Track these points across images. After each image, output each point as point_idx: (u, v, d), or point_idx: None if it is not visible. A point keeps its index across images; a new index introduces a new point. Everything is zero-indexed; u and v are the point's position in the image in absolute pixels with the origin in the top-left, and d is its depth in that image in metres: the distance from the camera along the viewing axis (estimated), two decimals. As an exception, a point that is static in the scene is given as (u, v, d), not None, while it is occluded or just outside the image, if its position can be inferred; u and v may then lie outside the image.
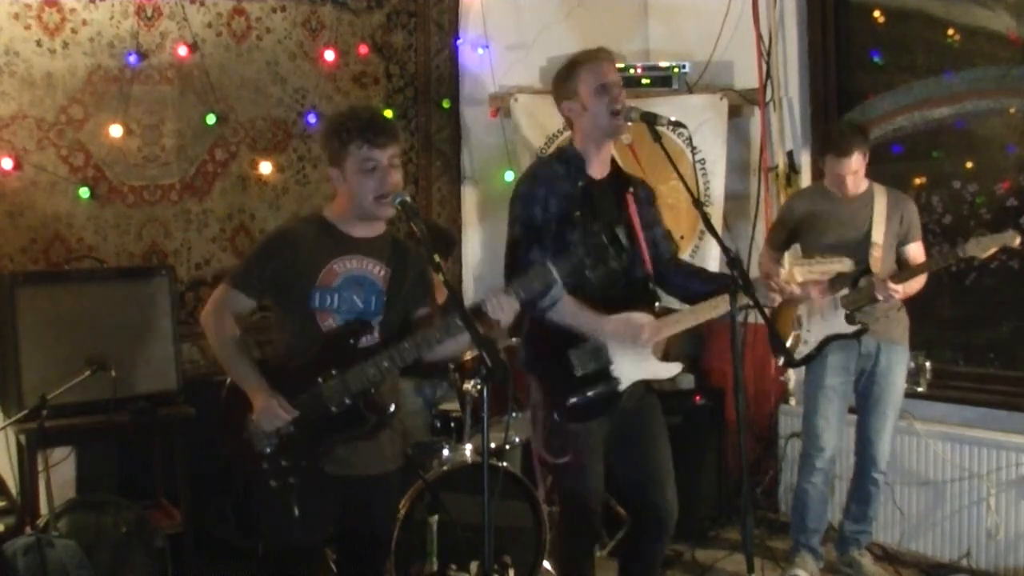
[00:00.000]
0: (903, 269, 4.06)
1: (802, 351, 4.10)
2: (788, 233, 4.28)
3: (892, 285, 3.91)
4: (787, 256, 4.32)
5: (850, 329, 4.04)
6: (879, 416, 4.16)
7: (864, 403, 4.22)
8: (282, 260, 2.82)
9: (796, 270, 3.26)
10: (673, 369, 3.28)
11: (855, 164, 4.03)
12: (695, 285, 3.31)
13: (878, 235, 4.05)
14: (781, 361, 4.24)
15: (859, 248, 4.04)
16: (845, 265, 3.45)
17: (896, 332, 4.15)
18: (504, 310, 2.66)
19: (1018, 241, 3.78)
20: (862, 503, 4.25)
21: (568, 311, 3.10)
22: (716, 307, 3.17)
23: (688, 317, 3.22)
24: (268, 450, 2.78)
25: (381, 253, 2.90)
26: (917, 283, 4.07)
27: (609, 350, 3.19)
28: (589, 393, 3.15)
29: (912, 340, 4.24)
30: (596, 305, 3.13)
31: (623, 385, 3.19)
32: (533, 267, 2.72)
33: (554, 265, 2.67)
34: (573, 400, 3.15)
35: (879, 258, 4.04)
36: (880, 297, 3.94)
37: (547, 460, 3.22)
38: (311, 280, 2.81)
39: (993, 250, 3.84)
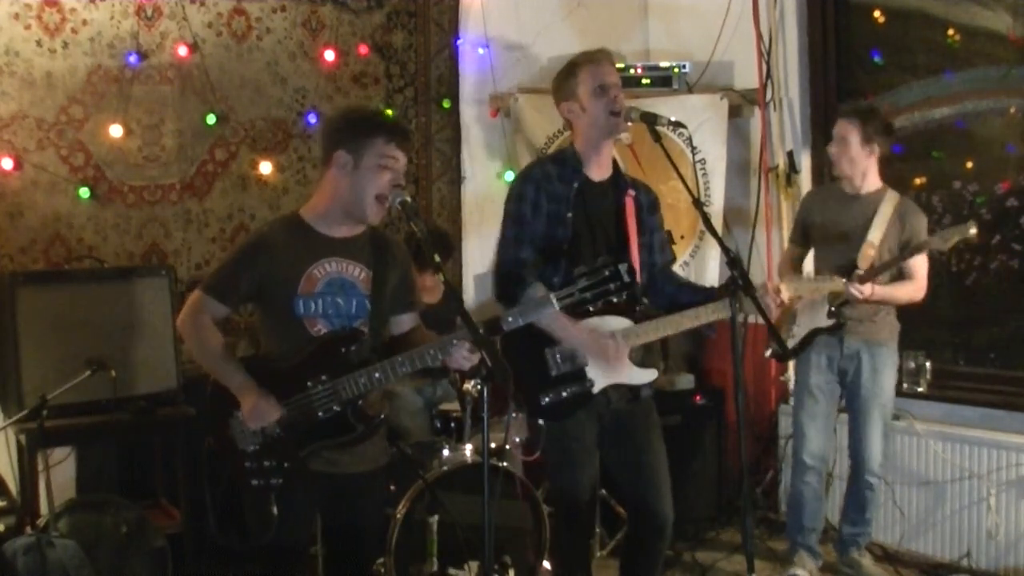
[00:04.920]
0: (869, 270, 4.01)
1: (788, 345, 4.12)
2: (803, 228, 4.31)
3: (858, 286, 3.91)
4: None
5: (829, 323, 4.06)
6: (867, 418, 4.16)
7: (852, 406, 4.23)
8: (259, 270, 2.80)
9: (785, 285, 3.28)
10: (648, 375, 3.27)
11: (841, 130, 4.06)
12: (684, 296, 3.32)
13: (875, 235, 4.05)
14: (768, 352, 4.28)
15: (852, 243, 4.06)
16: (837, 285, 3.48)
17: (882, 334, 4.14)
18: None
19: (974, 231, 3.81)
20: (858, 506, 4.25)
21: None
22: (697, 317, 3.18)
23: (666, 325, 3.21)
24: (251, 448, 2.78)
25: (360, 254, 2.89)
26: (902, 292, 4.05)
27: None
28: (563, 393, 3.15)
29: (912, 340, 4.25)
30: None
31: (597, 387, 3.18)
32: (535, 298, 2.79)
33: (556, 297, 2.71)
34: (546, 399, 3.15)
35: (870, 257, 4.02)
36: (849, 296, 3.94)
37: (520, 457, 3.24)
38: (292, 288, 2.80)
39: (955, 240, 3.88)
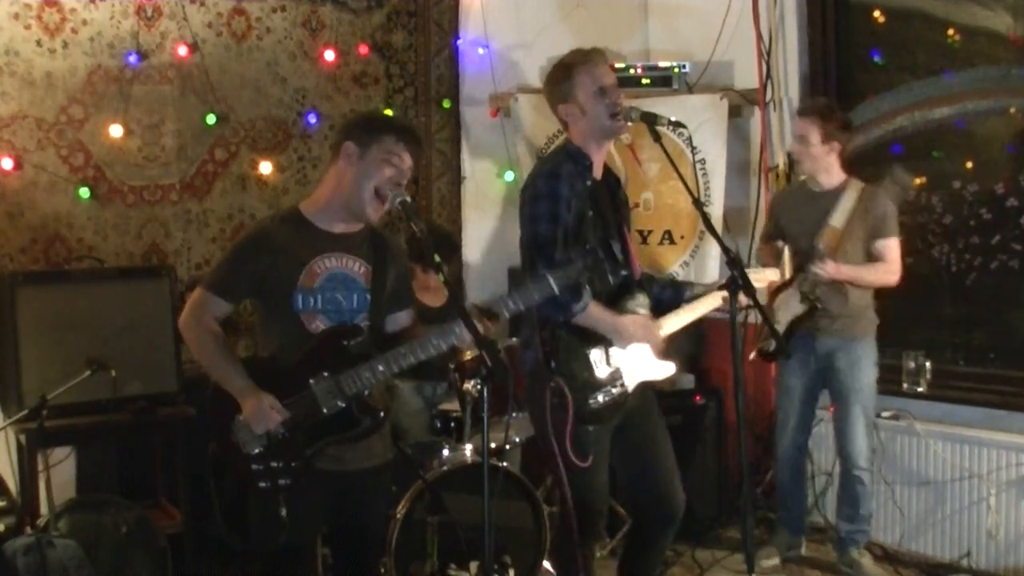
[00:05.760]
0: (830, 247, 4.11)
1: (771, 342, 4.20)
2: (774, 223, 4.46)
3: (820, 264, 3.99)
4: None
5: (803, 308, 4.11)
6: (848, 413, 4.22)
7: (835, 402, 4.31)
8: (260, 264, 2.80)
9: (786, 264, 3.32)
10: (670, 368, 3.31)
11: (801, 129, 4.19)
12: (653, 289, 3.38)
13: (837, 219, 4.11)
14: (753, 354, 4.35)
15: (813, 229, 4.14)
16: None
17: (857, 329, 4.18)
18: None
19: (916, 181, 3.90)
20: (851, 503, 4.29)
21: (592, 313, 3.10)
22: (714, 302, 3.22)
23: (687, 313, 3.26)
24: (257, 451, 2.76)
25: (360, 249, 2.89)
26: (872, 273, 4.11)
27: (615, 352, 3.20)
28: (604, 396, 3.16)
29: (912, 340, 4.26)
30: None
31: (631, 386, 3.20)
32: (533, 279, 2.76)
33: (553, 278, 2.70)
34: (593, 401, 3.14)
35: (831, 238, 4.09)
36: (814, 277, 4.01)
37: (573, 464, 3.11)
38: (292, 283, 2.79)
39: (896, 191, 3.94)
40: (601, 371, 3.17)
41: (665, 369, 3.30)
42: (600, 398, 3.15)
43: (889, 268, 4.12)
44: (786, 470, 4.46)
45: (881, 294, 4.25)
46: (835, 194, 4.18)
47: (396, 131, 2.84)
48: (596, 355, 3.17)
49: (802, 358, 4.25)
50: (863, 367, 4.20)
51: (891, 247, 4.14)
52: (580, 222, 3.14)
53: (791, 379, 4.34)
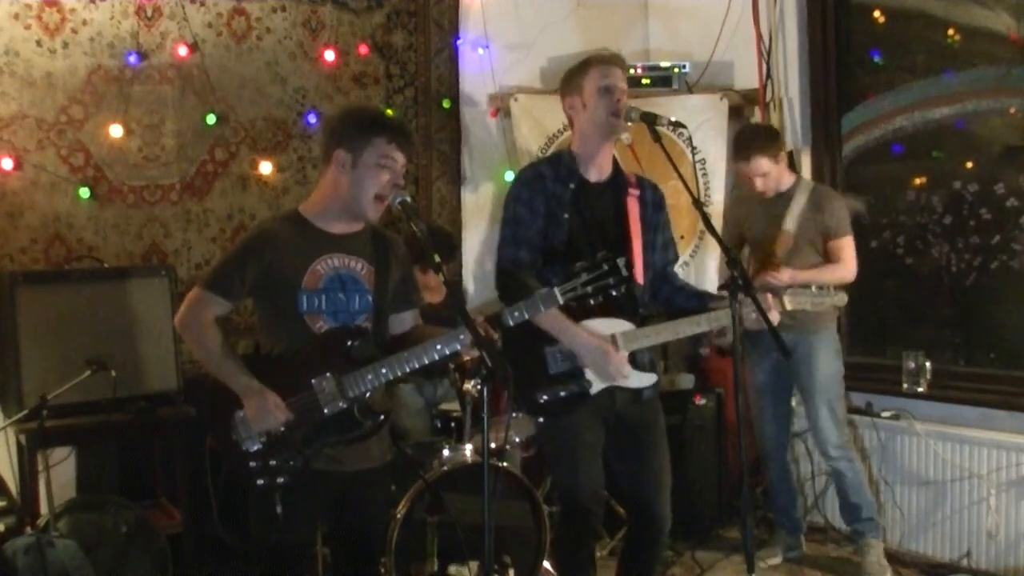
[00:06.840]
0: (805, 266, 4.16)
1: (727, 337, 4.20)
2: (736, 231, 4.51)
3: (774, 273, 4.03)
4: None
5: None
6: (811, 405, 4.30)
7: (801, 396, 4.39)
8: (263, 263, 2.79)
9: (787, 299, 3.28)
10: (647, 379, 3.25)
11: (759, 168, 4.18)
12: (680, 299, 3.34)
13: (789, 223, 4.19)
14: (706, 350, 4.38)
15: (770, 235, 4.22)
16: (842, 299, 3.48)
17: (812, 323, 4.14)
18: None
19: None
20: (841, 495, 4.37)
21: (546, 315, 3.05)
22: (697, 324, 3.18)
23: (666, 331, 3.21)
24: (256, 448, 2.76)
25: (363, 250, 2.89)
26: (827, 275, 4.05)
27: None
28: (561, 392, 3.15)
29: (912, 340, 4.25)
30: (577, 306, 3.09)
31: (594, 389, 3.17)
32: (541, 291, 2.78)
33: (560, 292, 2.72)
34: (544, 397, 3.15)
35: (786, 244, 4.17)
36: (768, 287, 3.81)
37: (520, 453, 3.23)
38: (296, 284, 2.79)
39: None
40: (557, 367, 3.16)
41: (640, 379, 3.23)
42: (551, 394, 3.15)
43: (844, 267, 4.15)
44: (773, 469, 4.51)
45: (881, 294, 4.25)
46: (787, 197, 4.25)
47: (386, 132, 2.82)
48: (555, 351, 3.16)
49: (765, 353, 4.31)
50: (822, 359, 4.24)
51: (843, 247, 4.18)
52: (551, 225, 3.17)
53: (760, 376, 4.41)
